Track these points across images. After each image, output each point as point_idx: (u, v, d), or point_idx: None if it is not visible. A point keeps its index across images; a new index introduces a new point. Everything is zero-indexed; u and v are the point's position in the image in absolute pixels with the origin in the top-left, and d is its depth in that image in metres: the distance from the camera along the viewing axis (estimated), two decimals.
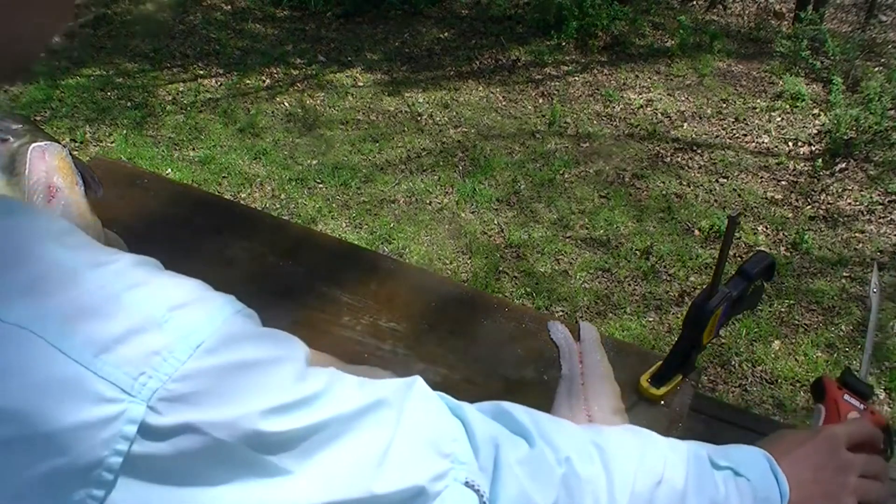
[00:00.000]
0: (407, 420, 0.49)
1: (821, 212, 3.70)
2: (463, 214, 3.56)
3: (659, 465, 0.58)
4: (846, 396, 0.86)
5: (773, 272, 0.89)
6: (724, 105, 4.56)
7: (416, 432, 0.49)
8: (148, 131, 4.06)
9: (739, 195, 3.79)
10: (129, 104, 4.27)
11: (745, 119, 4.43)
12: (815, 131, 4.33)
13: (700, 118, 4.44)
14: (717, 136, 4.29)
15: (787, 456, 0.68)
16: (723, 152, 4.13)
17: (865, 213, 3.71)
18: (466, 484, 0.49)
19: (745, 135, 4.31)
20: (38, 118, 4.05)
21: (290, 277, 1.01)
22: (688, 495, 0.58)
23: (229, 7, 5.42)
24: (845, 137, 4.07)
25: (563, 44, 5.05)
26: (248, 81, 4.58)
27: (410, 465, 0.47)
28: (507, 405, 0.58)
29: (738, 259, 3.16)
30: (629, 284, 3.20)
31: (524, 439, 0.54)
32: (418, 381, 0.53)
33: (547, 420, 0.57)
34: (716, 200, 3.74)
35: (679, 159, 4.06)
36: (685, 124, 4.37)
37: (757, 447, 0.69)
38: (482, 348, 0.93)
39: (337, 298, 0.98)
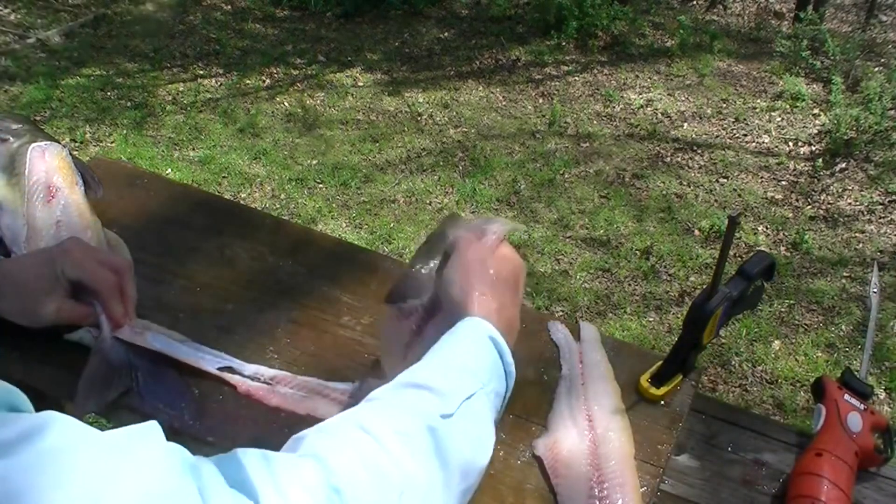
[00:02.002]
0: (122, 483, 0.43)
1: (821, 212, 3.70)
2: (463, 214, 3.55)
3: (397, 477, 0.57)
4: (846, 396, 0.87)
5: (773, 272, 0.89)
6: (724, 105, 4.56)
7: (132, 499, 0.42)
8: (148, 131, 4.06)
9: (739, 195, 3.79)
10: (129, 104, 4.27)
11: (745, 119, 4.43)
12: (815, 131, 4.33)
13: (700, 118, 4.44)
14: (717, 136, 4.29)
15: (487, 299, 0.74)
16: (723, 152, 4.13)
17: (865, 213, 3.71)
18: None
19: (745, 135, 4.31)
20: (38, 118, 4.05)
21: (290, 277, 1.01)
22: (434, 483, 0.59)
23: (229, 7, 5.42)
24: (845, 137, 4.07)
25: (563, 44, 5.05)
26: (248, 81, 4.58)
27: None
28: (240, 454, 0.55)
29: (738, 259, 3.16)
30: (629, 284, 3.19)
31: (252, 501, 0.50)
32: (150, 434, 0.48)
33: (283, 467, 0.54)
34: (716, 200, 3.74)
35: (679, 159, 4.06)
36: (685, 124, 4.37)
37: (476, 319, 0.72)
38: None
39: (337, 298, 0.98)
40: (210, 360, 0.88)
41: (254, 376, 0.87)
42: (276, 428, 0.82)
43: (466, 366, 0.68)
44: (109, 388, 0.85)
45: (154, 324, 0.90)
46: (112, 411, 0.89)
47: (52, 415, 0.45)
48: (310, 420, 0.82)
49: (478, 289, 0.74)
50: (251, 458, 0.54)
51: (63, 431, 0.44)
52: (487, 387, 0.67)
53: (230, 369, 0.87)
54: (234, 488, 0.50)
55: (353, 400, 0.84)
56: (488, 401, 0.67)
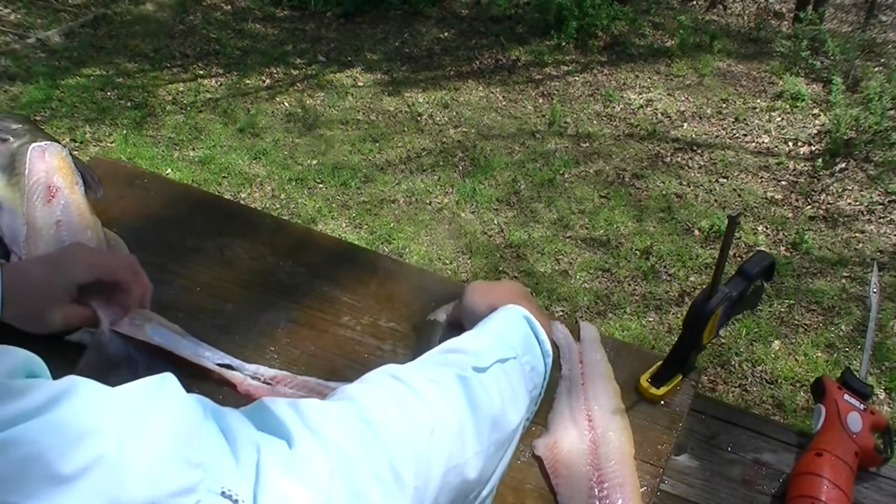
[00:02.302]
0: (148, 426, 0.44)
1: (821, 212, 3.70)
2: (463, 214, 3.56)
3: (427, 416, 0.58)
4: (846, 396, 0.87)
5: (773, 272, 0.89)
6: (724, 105, 4.56)
7: (161, 442, 0.44)
8: (148, 131, 4.06)
9: (739, 195, 3.79)
10: (129, 104, 4.27)
11: (745, 119, 4.43)
12: (815, 131, 4.33)
13: (700, 118, 4.44)
14: (717, 136, 4.29)
15: (528, 304, 0.80)
16: (723, 152, 4.13)
17: (865, 213, 3.71)
18: (223, 494, 0.45)
19: (745, 135, 4.31)
20: (38, 118, 4.05)
21: (290, 277, 1.01)
22: (465, 427, 0.60)
23: (229, 7, 5.42)
24: (845, 137, 4.07)
25: (563, 44, 5.04)
26: (248, 81, 4.58)
27: (153, 478, 0.42)
28: (268, 401, 0.55)
29: (738, 259, 3.16)
30: (629, 284, 3.19)
31: (285, 440, 0.51)
32: (167, 383, 0.49)
33: (311, 408, 0.55)
34: (716, 200, 3.74)
35: (679, 159, 4.06)
36: (685, 124, 4.37)
37: (513, 304, 0.78)
38: None
39: (337, 298, 0.98)
40: (210, 357, 0.88)
41: (254, 375, 0.87)
42: None
43: (500, 335, 0.71)
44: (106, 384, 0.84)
45: (155, 314, 0.90)
46: None
47: (75, 378, 0.46)
48: None
49: (503, 295, 0.80)
50: (280, 405, 0.55)
51: (89, 390, 0.45)
52: (522, 358, 0.69)
53: (229, 367, 0.87)
54: (263, 431, 0.51)
55: None
56: (523, 372, 0.69)
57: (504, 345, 0.69)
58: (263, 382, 0.86)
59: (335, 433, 0.52)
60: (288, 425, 0.52)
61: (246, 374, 0.87)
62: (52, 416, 0.42)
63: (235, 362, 0.88)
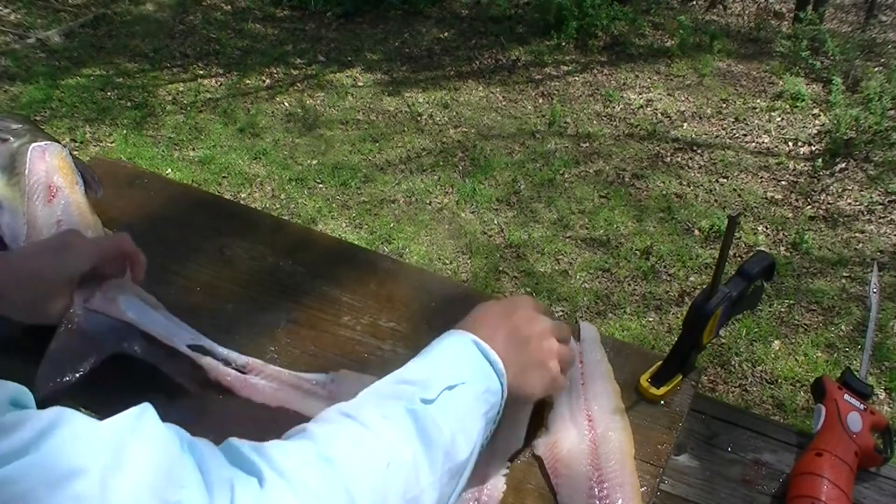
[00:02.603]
0: (129, 464, 0.46)
1: (821, 212, 3.70)
2: (463, 214, 3.56)
3: (382, 451, 0.60)
4: (846, 396, 0.87)
5: (773, 272, 0.89)
6: (724, 105, 4.56)
7: (140, 481, 0.46)
8: (148, 131, 4.06)
9: (739, 195, 3.79)
10: (129, 104, 4.27)
11: (745, 119, 4.43)
12: (815, 131, 4.33)
13: (700, 118, 4.44)
14: (717, 136, 4.29)
15: (490, 330, 0.74)
16: (723, 152, 4.13)
17: (865, 213, 3.71)
18: None
19: (745, 135, 4.31)
20: (38, 118, 4.04)
21: (290, 277, 1.01)
22: (418, 459, 0.61)
23: (229, 7, 5.42)
24: (845, 137, 4.08)
25: (563, 44, 5.05)
26: (248, 81, 4.58)
27: None
28: (234, 441, 0.58)
29: (738, 259, 3.16)
30: (629, 284, 3.20)
31: (256, 477, 0.53)
32: (146, 416, 0.52)
33: (273, 449, 0.57)
34: (716, 200, 3.74)
35: (679, 159, 4.06)
36: (685, 124, 4.37)
37: (461, 330, 0.74)
38: None
39: (337, 298, 0.98)
40: (182, 337, 0.86)
41: (226, 360, 0.86)
42: (276, 428, 0.82)
43: (447, 362, 0.70)
44: (78, 366, 0.81)
45: (129, 282, 0.88)
46: (113, 411, 0.89)
47: (60, 411, 0.48)
48: (289, 414, 0.82)
49: (483, 321, 0.76)
50: (244, 445, 0.57)
51: (73, 426, 0.47)
52: (473, 383, 0.68)
53: (202, 349, 0.86)
54: (235, 466, 0.54)
55: (327, 392, 0.84)
56: (474, 397, 0.68)
57: (451, 372, 0.68)
58: (235, 369, 0.86)
59: (299, 472, 0.55)
60: (257, 464, 0.55)
61: (218, 359, 0.86)
62: (38, 454, 0.44)
63: (207, 342, 0.87)
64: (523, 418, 0.82)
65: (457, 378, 0.67)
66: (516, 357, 0.73)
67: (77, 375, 0.81)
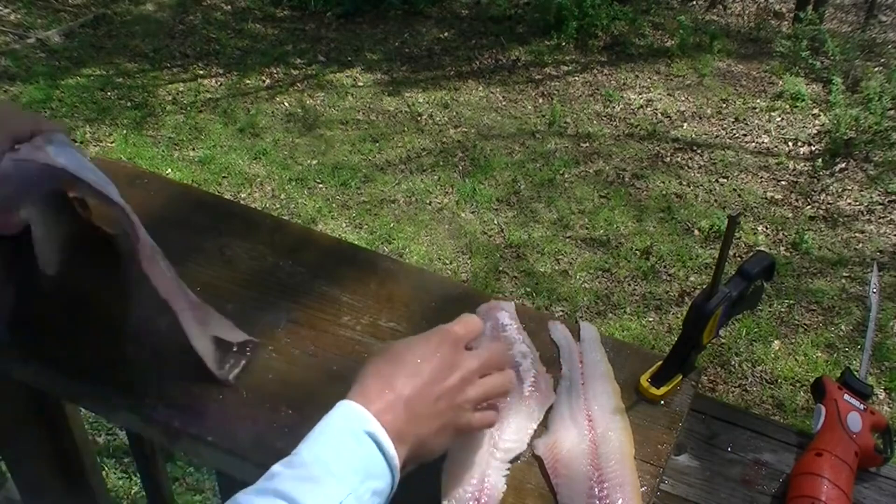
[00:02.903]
0: None
1: (821, 212, 3.71)
2: (463, 214, 3.56)
3: None
4: (846, 396, 0.87)
5: (773, 272, 0.89)
6: (724, 105, 4.57)
7: None
8: (148, 131, 4.06)
9: (739, 195, 3.79)
10: (129, 104, 4.27)
11: (745, 119, 4.43)
12: (815, 131, 4.33)
13: (700, 118, 4.44)
14: (717, 136, 4.29)
15: (391, 400, 0.64)
16: (723, 152, 4.13)
17: (865, 213, 3.71)
18: None
19: (745, 135, 4.31)
20: None
21: (290, 277, 1.01)
22: None
23: (229, 7, 5.42)
24: (845, 137, 4.08)
25: (563, 44, 5.05)
26: (248, 81, 4.58)
27: None
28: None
29: (738, 259, 3.17)
30: (629, 284, 3.20)
31: None
32: None
33: None
34: (716, 200, 3.74)
35: (679, 159, 4.06)
36: (685, 124, 4.38)
37: (354, 407, 0.64)
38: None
39: (337, 298, 0.98)
40: (111, 192, 0.80)
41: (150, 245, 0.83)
42: (276, 428, 0.82)
43: (334, 471, 0.60)
44: (9, 213, 0.76)
45: (60, 133, 0.81)
46: (112, 411, 0.89)
47: None
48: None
49: (386, 384, 0.66)
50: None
51: None
52: (360, 488, 0.61)
53: (126, 214, 0.83)
54: None
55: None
56: (359, 502, 0.61)
57: (338, 482, 0.60)
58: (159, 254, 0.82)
59: None
60: None
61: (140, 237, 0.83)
62: None
63: (129, 208, 0.82)
64: (530, 424, 0.82)
65: (343, 490, 0.60)
66: (417, 430, 0.65)
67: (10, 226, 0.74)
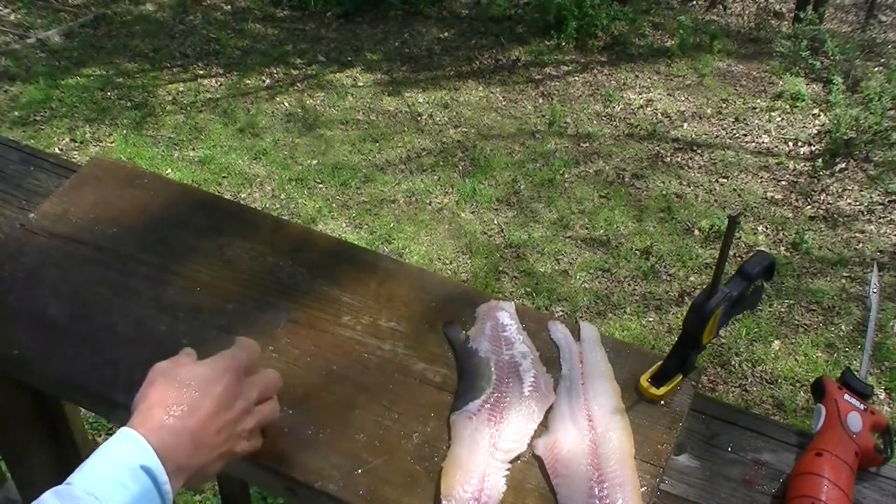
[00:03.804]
0: None
1: (821, 212, 3.71)
2: (463, 214, 3.56)
3: None
4: (846, 396, 0.87)
5: (773, 272, 0.89)
6: (724, 105, 4.57)
7: None
8: (148, 131, 4.06)
9: (739, 195, 3.79)
10: (129, 104, 4.27)
11: (745, 119, 4.43)
12: (815, 131, 4.33)
13: (700, 118, 4.44)
14: (717, 136, 4.29)
15: (170, 433, 0.65)
16: (723, 152, 4.13)
17: (865, 213, 3.71)
18: None
19: (745, 135, 4.31)
20: (37, 118, 4.05)
21: (290, 277, 1.01)
22: None
23: (229, 7, 5.42)
24: (845, 137, 4.08)
25: (563, 44, 5.05)
26: (248, 81, 4.58)
27: None
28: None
29: (738, 259, 3.17)
30: (629, 284, 3.20)
31: None
32: None
33: None
34: (716, 200, 3.74)
35: (679, 159, 4.06)
36: (685, 124, 4.38)
37: (134, 439, 0.64)
38: None
39: (337, 298, 0.98)
40: None
41: None
42: (276, 428, 0.82)
43: (108, 496, 0.61)
44: None
45: None
46: (112, 411, 0.89)
47: None
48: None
49: (165, 417, 0.66)
50: None
51: None
52: None
53: None
54: None
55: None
56: None
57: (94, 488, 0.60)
58: None
59: None
60: None
61: None
62: None
63: None
64: (530, 424, 0.82)
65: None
66: (197, 461, 0.66)
67: None
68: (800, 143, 4.24)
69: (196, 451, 0.66)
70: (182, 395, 0.67)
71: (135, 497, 0.62)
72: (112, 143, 3.94)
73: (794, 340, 2.96)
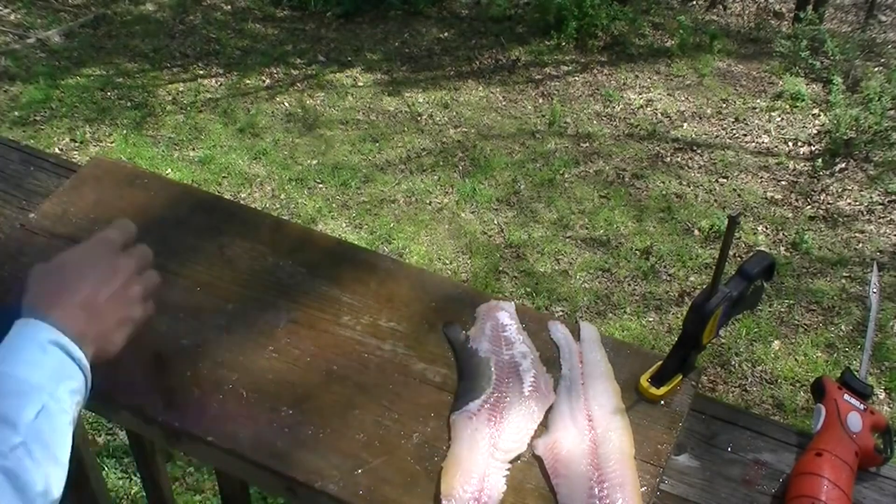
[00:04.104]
0: None
1: (821, 212, 3.71)
2: (463, 214, 3.56)
3: None
4: (846, 396, 0.87)
5: (773, 272, 0.89)
6: (724, 105, 4.57)
7: None
8: (148, 131, 4.06)
9: (739, 195, 3.79)
10: (129, 104, 4.27)
11: (745, 119, 4.43)
12: (815, 131, 4.33)
13: (700, 118, 4.45)
14: (717, 136, 4.29)
15: (66, 307, 0.69)
16: (723, 152, 4.13)
17: (865, 213, 3.71)
18: None
19: (745, 135, 4.31)
20: (37, 118, 4.05)
21: (290, 277, 1.01)
22: None
23: (229, 7, 5.42)
24: (845, 137, 4.08)
25: (563, 44, 5.05)
26: (248, 81, 4.58)
27: None
28: None
29: (738, 259, 3.17)
30: (629, 284, 3.20)
31: None
32: None
33: None
34: (716, 200, 3.75)
35: (679, 159, 4.06)
36: (685, 124, 4.38)
37: (35, 323, 0.67)
38: None
39: (337, 298, 0.98)
40: None
41: None
42: (276, 427, 0.82)
43: (28, 381, 0.63)
44: None
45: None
46: (112, 411, 0.89)
47: None
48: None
49: (57, 295, 0.70)
50: None
51: None
52: (57, 390, 0.64)
53: None
54: None
55: None
56: (59, 405, 0.64)
57: (36, 392, 0.63)
58: None
59: None
60: None
61: None
62: None
63: None
64: (530, 424, 0.82)
65: (41, 397, 0.63)
66: (97, 328, 0.70)
67: None
68: (800, 143, 4.24)
69: (92, 319, 0.70)
70: (63, 277, 0.72)
71: (54, 367, 0.65)
72: (112, 143, 3.94)
73: (794, 340, 2.96)
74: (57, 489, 0.63)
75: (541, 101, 4.55)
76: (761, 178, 3.95)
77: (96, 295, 0.72)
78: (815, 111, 4.50)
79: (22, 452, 0.60)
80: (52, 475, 0.62)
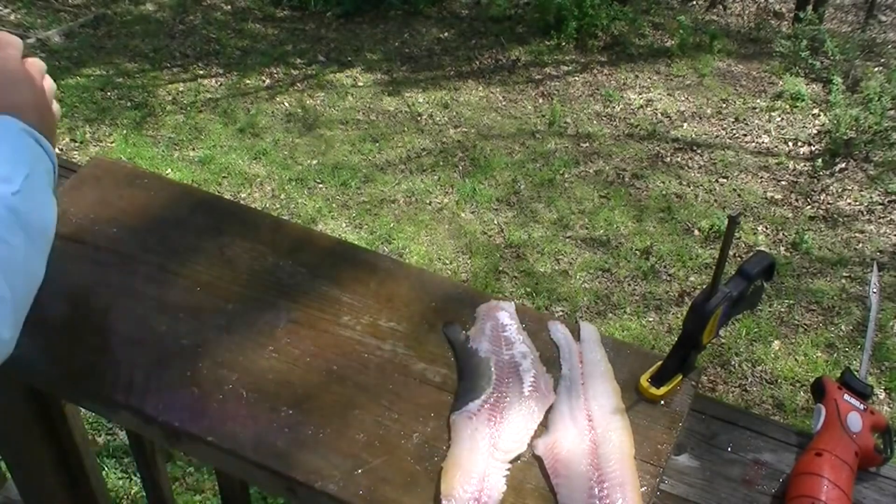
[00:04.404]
0: None
1: (821, 212, 3.71)
2: (463, 214, 3.56)
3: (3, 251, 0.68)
4: (846, 396, 0.87)
5: (773, 272, 0.89)
6: (724, 105, 4.57)
7: None
8: (148, 131, 4.06)
9: (739, 195, 3.79)
10: (129, 104, 4.27)
11: (745, 119, 4.43)
12: (815, 131, 4.33)
13: (700, 118, 4.45)
14: (717, 136, 4.29)
15: (16, 101, 0.79)
16: (723, 152, 4.13)
17: (865, 213, 3.71)
18: None
19: (745, 135, 4.31)
20: None
21: (290, 277, 1.01)
22: (28, 252, 0.70)
23: (229, 7, 5.42)
24: (845, 137, 4.08)
25: (563, 44, 5.05)
26: (248, 81, 4.58)
27: None
28: None
29: (738, 259, 3.17)
30: (629, 284, 3.20)
31: None
32: None
33: None
34: (716, 200, 3.75)
35: (679, 159, 4.06)
36: (685, 124, 4.38)
37: (4, 118, 0.77)
38: None
39: (337, 298, 0.98)
40: None
41: None
42: (276, 427, 0.82)
43: (14, 157, 0.75)
44: None
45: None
46: (112, 411, 0.89)
47: None
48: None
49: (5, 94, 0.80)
50: None
51: None
52: (38, 168, 0.76)
53: None
54: None
55: None
56: (41, 178, 0.76)
57: (21, 164, 0.74)
58: None
59: None
60: None
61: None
62: None
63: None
64: (530, 424, 0.82)
65: (26, 168, 0.74)
66: (50, 122, 0.82)
67: None
68: (800, 143, 4.24)
69: (44, 114, 0.81)
70: (8, 89, 0.80)
71: (31, 151, 0.76)
72: (112, 143, 3.94)
73: (794, 340, 2.96)
74: (50, 234, 0.75)
75: (541, 101, 4.55)
76: (761, 178, 3.95)
77: (37, 95, 0.82)
78: (815, 111, 4.50)
79: (22, 198, 0.71)
80: (46, 220, 0.75)
